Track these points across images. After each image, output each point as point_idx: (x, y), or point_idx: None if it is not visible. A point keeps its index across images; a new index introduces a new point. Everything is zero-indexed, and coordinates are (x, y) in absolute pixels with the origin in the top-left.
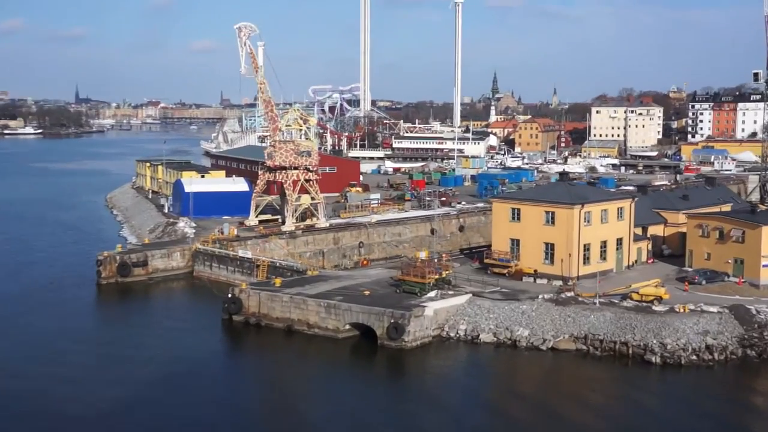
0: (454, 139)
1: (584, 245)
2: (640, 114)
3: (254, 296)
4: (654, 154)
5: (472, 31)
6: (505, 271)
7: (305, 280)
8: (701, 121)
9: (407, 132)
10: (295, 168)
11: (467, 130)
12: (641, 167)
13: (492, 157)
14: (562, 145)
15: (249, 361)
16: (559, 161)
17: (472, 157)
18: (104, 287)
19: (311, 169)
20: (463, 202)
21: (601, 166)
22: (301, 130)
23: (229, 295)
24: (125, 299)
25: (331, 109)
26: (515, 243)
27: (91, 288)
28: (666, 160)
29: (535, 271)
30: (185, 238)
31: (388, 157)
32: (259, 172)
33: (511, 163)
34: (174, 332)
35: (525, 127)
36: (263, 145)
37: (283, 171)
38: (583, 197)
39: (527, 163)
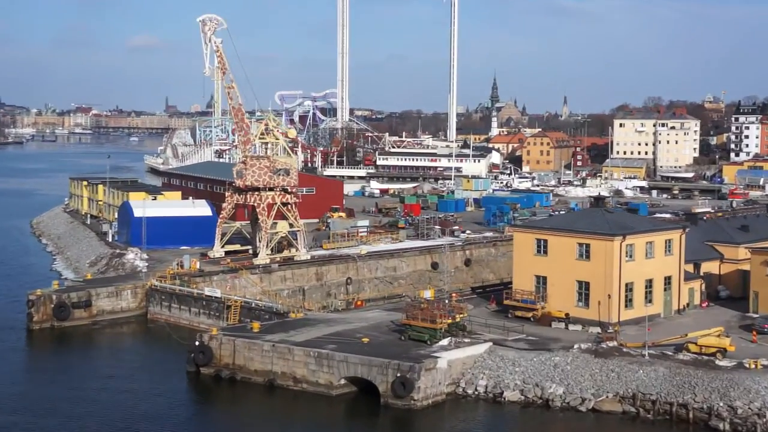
0: (450, 155)
1: (626, 284)
2: (673, 127)
3: (228, 344)
4: (690, 175)
5: (467, 30)
6: (529, 315)
7: (288, 325)
8: (746, 137)
9: (394, 147)
10: (271, 189)
11: (465, 145)
12: (677, 191)
13: (496, 178)
14: (579, 163)
15: (222, 425)
16: (575, 182)
17: (473, 177)
18: (36, 333)
19: (289, 190)
20: (468, 231)
21: (627, 188)
22: (277, 143)
23: (197, 343)
24: (63, 348)
25: (302, 118)
26: (541, 281)
27: (20, 334)
28: (704, 182)
29: (567, 315)
30: (136, 272)
31: (371, 177)
32: (226, 194)
33: (519, 184)
34: (126, 392)
35: (534, 143)
36: (222, 160)
37: (256, 192)
38: (625, 227)
39: (538, 185)
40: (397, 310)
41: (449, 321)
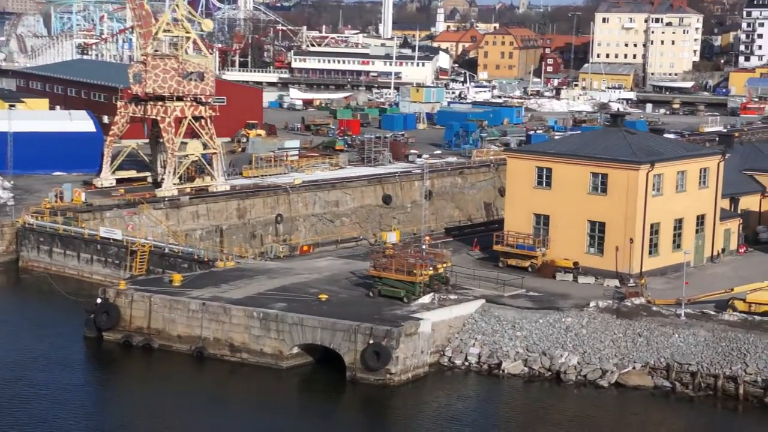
0: (387, 58)
1: (651, 225)
2: (669, 24)
3: (141, 302)
4: (688, 85)
5: None
6: (527, 264)
7: (218, 277)
8: (760, 36)
9: (313, 45)
10: (179, 99)
11: (405, 44)
12: (677, 104)
13: (446, 86)
14: (549, 69)
15: (135, 408)
16: (546, 93)
17: (424, 86)
18: None
19: (204, 100)
20: (425, 155)
21: (614, 102)
22: (188, 39)
23: (99, 300)
24: None
25: (191, 4)
26: (542, 221)
27: None
28: (706, 94)
29: (576, 264)
30: (0, 206)
31: (285, 83)
32: (118, 104)
33: (475, 95)
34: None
35: (493, 42)
36: (86, 57)
37: (159, 103)
38: (652, 151)
39: (500, 96)
40: (354, 257)
41: (430, 272)
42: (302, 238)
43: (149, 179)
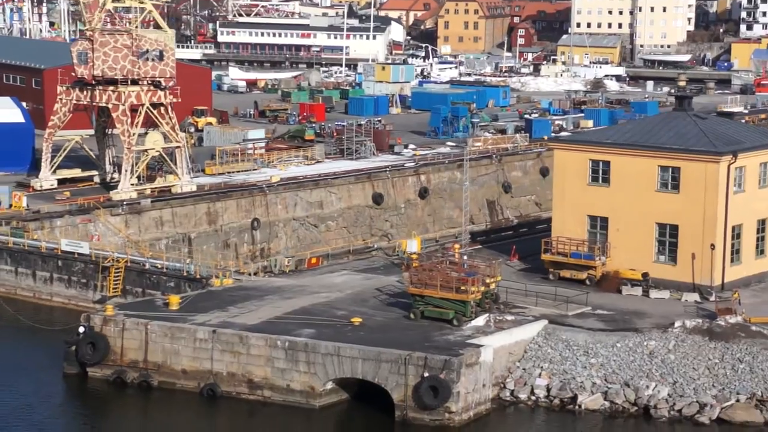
0: (331, 30)
1: (733, 228)
2: None
3: (135, 330)
4: (684, 58)
5: None
6: (584, 275)
7: (219, 298)
8: (764, 1)
9: (240, 14)
10: (134, 82)
11: (351, 13)
12: (684, 82)
13: (404, 62)
14: (521, 41)
15: None
16: (522, 69)
17: (391, 63)
18: None
19: (163, 84)
20: (412, 146)
21: (605, 78)
22: (143, 10)
23: (81, 329)
24: None
25: None
26: (599, 224)
27: None
28: (705, 68)
29: (645, 275)
30: None
31: (210, 60)
32: (59, 90)
33: (440, 72)
34: None
35: (455, 10)
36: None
37: (111, 88)
38: (730, 140)
39: (470, 73)
40: (372, 270)
41: (482, 289)
42: (282, 246)
43: (96, 179)
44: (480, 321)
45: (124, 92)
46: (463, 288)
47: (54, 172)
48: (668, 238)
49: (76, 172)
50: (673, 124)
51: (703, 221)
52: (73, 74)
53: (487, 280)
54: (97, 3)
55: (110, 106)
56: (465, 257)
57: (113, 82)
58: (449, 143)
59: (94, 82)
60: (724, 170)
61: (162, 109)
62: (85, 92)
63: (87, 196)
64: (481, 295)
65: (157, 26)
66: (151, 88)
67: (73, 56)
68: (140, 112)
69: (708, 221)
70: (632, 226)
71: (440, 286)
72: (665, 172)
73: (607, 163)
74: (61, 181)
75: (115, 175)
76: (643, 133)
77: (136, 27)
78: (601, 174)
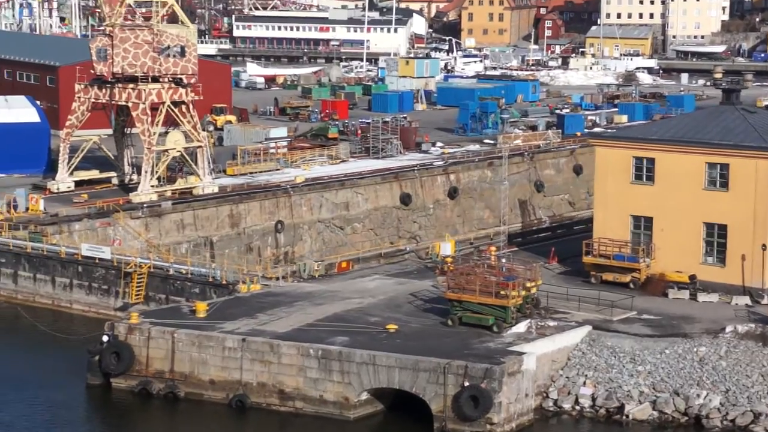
0: (352, 23)
1: None
2: None
3: (161, 339)
4: (719, 49)
5: None
6: (627, 278)
7: (247, 305)
8: None
9: (256, 7)
10: (155, 80)
11: (372, 5)
12: (720, 74)
13: (427, 56)
14: (548, 34)
15: None
16: (550, 62)
17: (415, 57)
18: None
19: (185, 81)
20: (439, 143)
21: (638, 71)
22: (165, 5)
23: (105, 338)
24: None
25: None
26: (642, 224)
27: None
28: (741, 60)
29: (693, 277)
30: None
31: (226, 55)
32: (77, 88)
33: (464, 66)
34: None
35: (479, 1)
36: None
37: (131, 86)
38: None
39: (495, 67)
40: (405, 274)
41: (523, 293)
42: (306, 249)
43: (114, 180)
44: (521, 327)
45: (144, 90)
46: (503, 293)
47: (71, 173)
48: (716, 239)
49: (94, 174)
50: (720, 118)
51: (754, 220)
52: (92, 71)
53: (528, 284)
54: None
55: (130, 104)
56: (503, 260)
57: (133, 79)
58: (487, 140)
59: (113, 80)
60: None
61: (183, 107)
62: (104, 90)
63: (106, 199)
64: (521, 300)
65: (174, 20)
66: (172, 85)
67: (92, 53)
68: (161, 111)
69: (759, 220)
70: (678, 227)
71: (479, 291)
72: (713, 169)
73: (651, 161)
74: (79, 183)
75: (134, 177)
76: (689, 129)
77: (158, 22)
78: (645, 172)
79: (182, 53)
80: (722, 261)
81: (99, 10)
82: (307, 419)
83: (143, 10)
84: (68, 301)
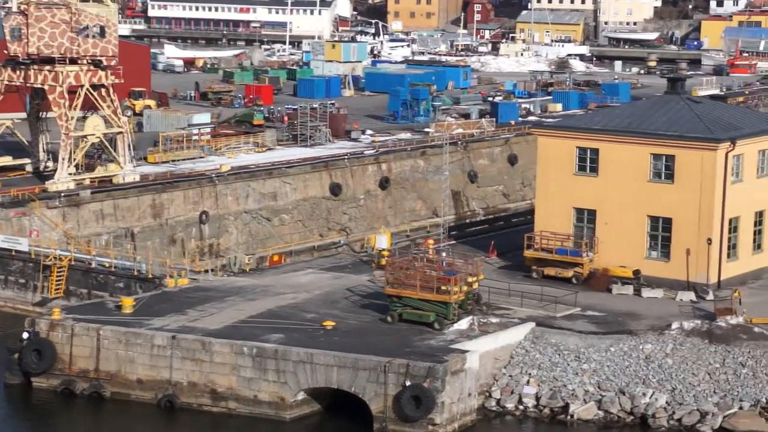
0: (275, 3)
1: (730, 221)
2: None
3: (85, 336)
4: (651, 36)
5: None
6: (570, 273)
7: (177, 300)
8: None
9: None
10: (73, 62)
11: None
12: (654, 62)
13: (353, 40)
14: (477, 17)
15: None
16: (479, 48)
17: (337, 41)
18: None
19: (105, 63)
20: (369, 131)
21: (570, 57)
22: None
23: (25, 335)
24: None
25: None
26: (586, 217)
27: None
28: (673, 47)
29: (637, 272)
30: None
31: (140, 36)
32: None
33: (391, 51)
34: None
35: None
36: None
37: (47, 67)
38: (728, 125)
39: (423, 51)
40: (340, 269)
41: (465, 289)
42: (232, 242)
43: (28, 168)
44: (463, 324)
45: (62, 72)
46: (444, 288)
47: None
48: (661, 233)
49: (7, 160)
50: (665, 108)
51: (699, 214)
52: (5, 52)
53: (469, 279)
54: None
55: (46, 87)
56: (443, 254)
57: (50, 61)
58: (426, 129)
59: (28, 61)
60: (722, 158)
61: (103, 90)
62: (17, 72)
63: (20, 188)
64: (463, 296)
65: None
66: (91, 67)
67: (6, 32)
68: (79, 94)
69: (704, 214)
70: (622, 220)
71: (420, 287)
72: (658, 161)
73: (595, 151)
74: None
75: (50, 164)
76: (633, 119)
77: (76, 0)
78: (588, 163)
79: (102, 34)
80: (667, 255)
81: None
82: (240, 420)
83: None
84: None
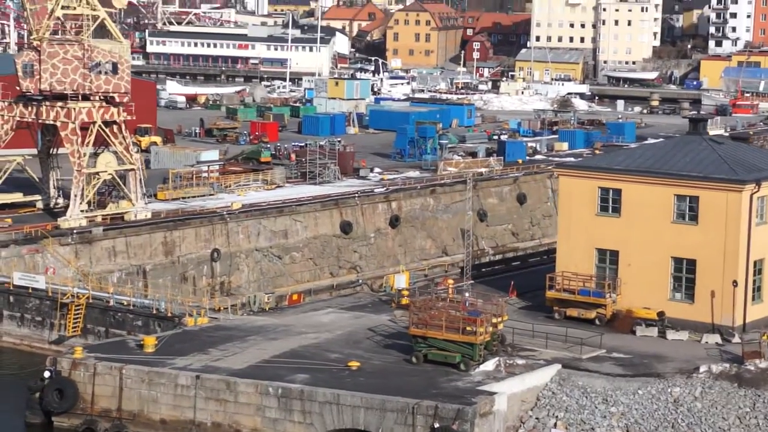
0: (271, 41)
1: (754, 263)
2: (625, 1)
3: (108, 375)
4: (651, 76)
5: None
6: (593, 314)
7: (199, 339)
8: (734, 16)
9: (171, 22)
10: (86, 98)
11: (294, 24)
12: (656, 101)
13: (352, 77)
14: (476, 55)
15: None
16: (480, 86)
17: (341, 78)
18: None
19: (117, 99)
20: (377, 169)
21: (575, 97)
22: (96, 18)
23: (46, 374)
24: None
25: None
26: (608, 258)
27: None
28: (673, 86)
29: (661, 314)
30: None
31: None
32: (0, 105)
33: (391, 88)
34: None
35: (405, 20)
36: None
37: (59, 104)
38: (751, 166)
39: (423, 89)
40: (360, 308)
41: (491, 330)
42: (244, 279)
43: (39, 204)
44: (489, 365)
45: (74, 109)
46: (470, 329)
47: None
48: (685, 274)
49: (18, 197)
50: (688, 149)
51: (724, 255)
52: (17, 88)
53: (494, 320)
54: (45, 9)
55: (58, 123)
56: (467, 294)
57: (62, 97)
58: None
59: (40, 97)
60: (747, 200)
61: (115, 127)
62: (29, 108)
63: (31, 224)
64: (489, 337)
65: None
66: (103, 104)
67: (18, 68)
68: (91, 131)
69: (729, 256)
70: (645, 261)
71: (445, 327)
72: (682, 202)
73: (617, 191)
74: (1, 207)
75: (60, 201)
76: (656, 159)
77: (88, 36)
78: (611, 203)
79: (114, 70)
80: (691, 297)
81: (26, 23)
82: None
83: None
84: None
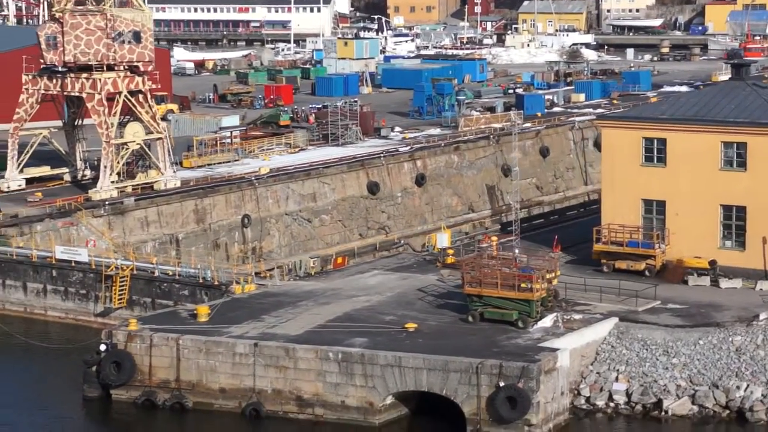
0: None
1: None
2: None
3: (164, 346)
4: (656, 23)
5: None
6: (642, 266)
7: (250, 306)
8: None
9: None
10: (110, 68)
11: None
12: (666, 48)
13: (356, 36)
14: (478, 10)
15: None
16: (484, 40)
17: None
18: None
19: (142, 69)
20: (398, 128)
21: (584, 47)
22: None
23: (102, 347)
24: None
25: None
26: (655, 208)
27: None
28: (678, 33)
29: (712, 263)
30: None
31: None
32: (24, 79)
33: (395, 46)
34: None
35: None
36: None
37: (84, 75)
38: None
39: (427, 46)
40: (405, 268)
41: (546, 286)
42: (275, 244)
43: (66, 177)
44: (547, 322)
45: (99, 80)
46: (525, 285)
47: (21, 171)
48: (735, 222)
49: (45, 170)
50: (733, 95)
51: None
52: (41, 60)
53: (548, 276)
54: None
55: (84, 95)
56: (517, 251)
57: (86, 68)
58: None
59: (64, 69)
60: None
61: (140, 96)
62: (54, 81)
63: (62, 197)
64: (545, 293)
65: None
66: (128, 73)
67: (41, 41)
68: (118, 101)
69: None
70: (693, 210)
71: (500, 285)
72: (729, 149)
73: (662, 141)
74: (29, 181)
75: (87, 172)
76: (701, 107)
77: (110, 6)
78: (656, 153)
79: (137, 39)
80: (741, 245)
81: None
82: (327, 427)
83: None
84: (42, 307)
